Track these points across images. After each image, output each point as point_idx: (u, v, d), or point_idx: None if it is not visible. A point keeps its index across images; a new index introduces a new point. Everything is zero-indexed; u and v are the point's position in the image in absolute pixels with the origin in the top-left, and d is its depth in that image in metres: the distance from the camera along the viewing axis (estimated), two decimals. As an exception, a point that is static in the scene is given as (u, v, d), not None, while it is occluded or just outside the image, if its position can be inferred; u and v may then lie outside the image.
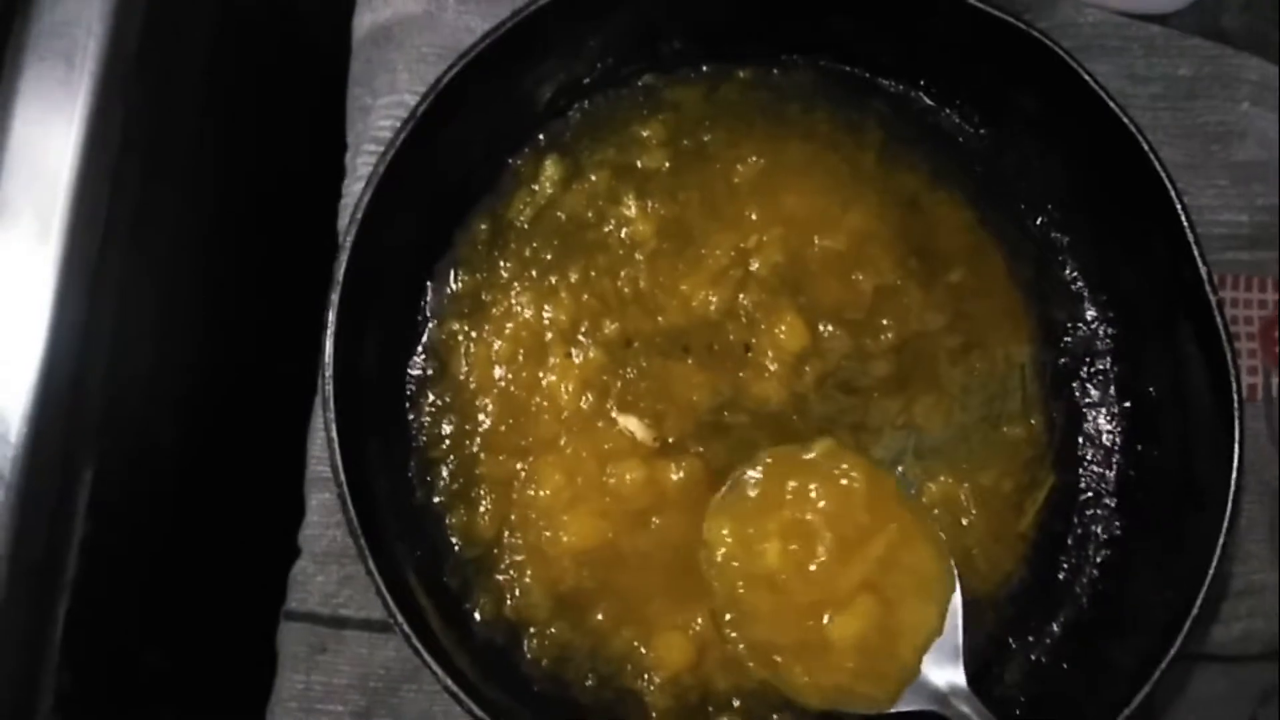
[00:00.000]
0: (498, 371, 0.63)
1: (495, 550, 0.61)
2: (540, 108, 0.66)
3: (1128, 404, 0.66)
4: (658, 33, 0.67)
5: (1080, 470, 0.66)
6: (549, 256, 0.64)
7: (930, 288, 0.66)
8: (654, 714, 0.60)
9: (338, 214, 0.68)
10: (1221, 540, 0.58)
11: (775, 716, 0.61)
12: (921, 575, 0.59)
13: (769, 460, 0.60)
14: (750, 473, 0.60)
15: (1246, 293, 0.71)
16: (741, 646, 0.59)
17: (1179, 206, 0.60)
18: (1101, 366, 0.67)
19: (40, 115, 0.61)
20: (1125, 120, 0.61)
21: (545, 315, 0.63)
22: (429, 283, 0.64)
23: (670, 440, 0.62)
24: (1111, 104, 0.62)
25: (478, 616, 0.60)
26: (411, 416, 0.63)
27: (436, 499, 0.62)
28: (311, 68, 0.74)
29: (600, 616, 0.60)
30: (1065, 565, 0.65)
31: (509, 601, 0.60)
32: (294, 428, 0.66)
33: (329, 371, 0.56)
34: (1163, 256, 0.62)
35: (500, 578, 0.61)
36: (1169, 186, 0.61)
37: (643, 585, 0.61)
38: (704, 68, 0.68)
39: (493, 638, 0.60)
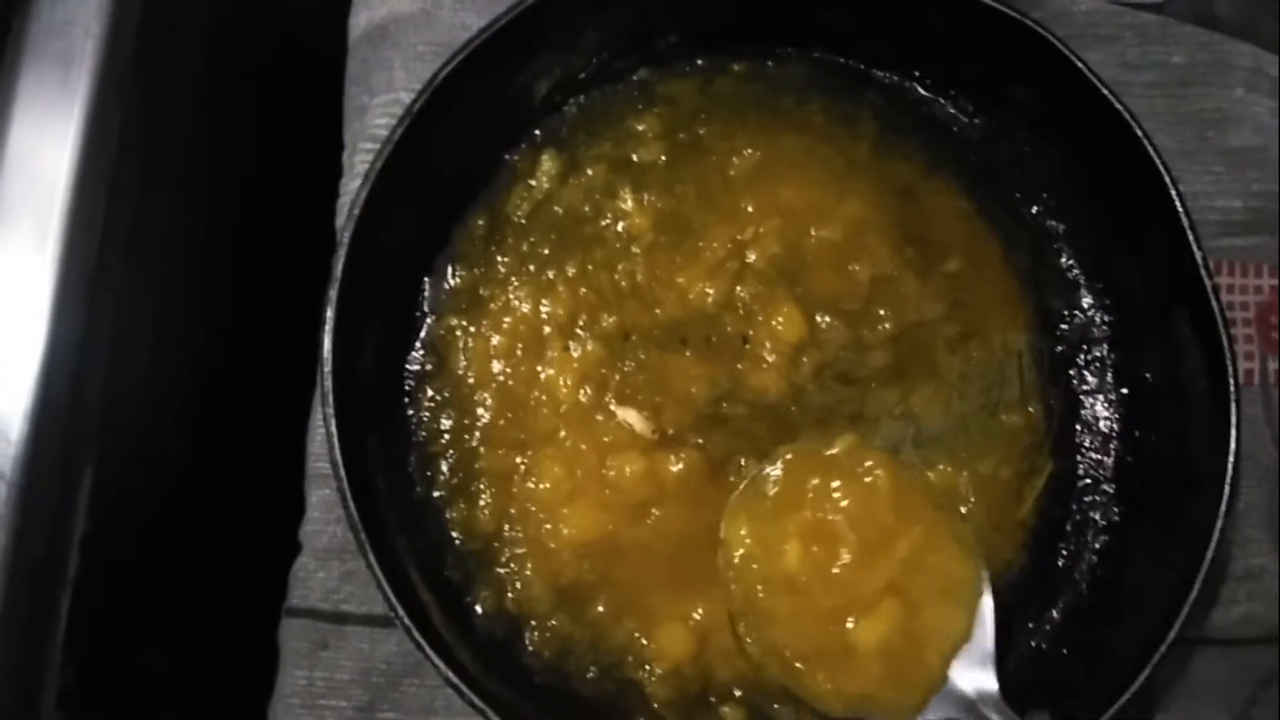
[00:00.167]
0: (496, 366, 0.63)
1: (496, 544, 0.61)
2: (536, 103, 0.66)
3: (1125, 390, 0.66)
4: (652, 27, 0.67)
5: (1078, 457, 0.66)
6: (546, 251, 0.64)
7: (927, 277, 0.66)
8: (655, 705, 0.60)
9: (335, 213, 0.69)
10: (1219, 525, 0.58)
11: (776, 706, 0.61)
12: (949, 578, 0.57)
13: (789, 457, 0.59)
14: (770, 470, 0.59)
15: (1243, 278, 0.71)
16: (759, 650, 0.57)
17: (1174, 193, 0.61)
18: (1098, 353, 0.67)
19: (38, 116, 0.61)
20: (1120, 108, 0.62)
21: (543, 309, 0.63)
22: (427, 278, 0.64)
23: (669, 432, 0.62)
24: (1106, 92, 0.62)
25: (479, 610, 0.60)
26: (411, 412, 0.63)
27: (436, 493, 0.62)
28: (308, 67, 0.74)
29: (601, 608, 0.61)
30: (1064, 552, 0.65)
31: (510, 595, 0.61)
32: (294, 425, 0.67)
33: (328, 367, 0.56)
34: (1158, 243, 0.62)
35: (501, 571, 0.61)
36: (1164, 173, 0.61)
37: (643, 577, 0.61)
38: (698, 61, 0.68)
39: (494, 631, 0.60)
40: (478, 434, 0.62)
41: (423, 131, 0.60)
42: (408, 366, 0.63)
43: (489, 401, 0.63)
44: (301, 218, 0.70)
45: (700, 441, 0.62)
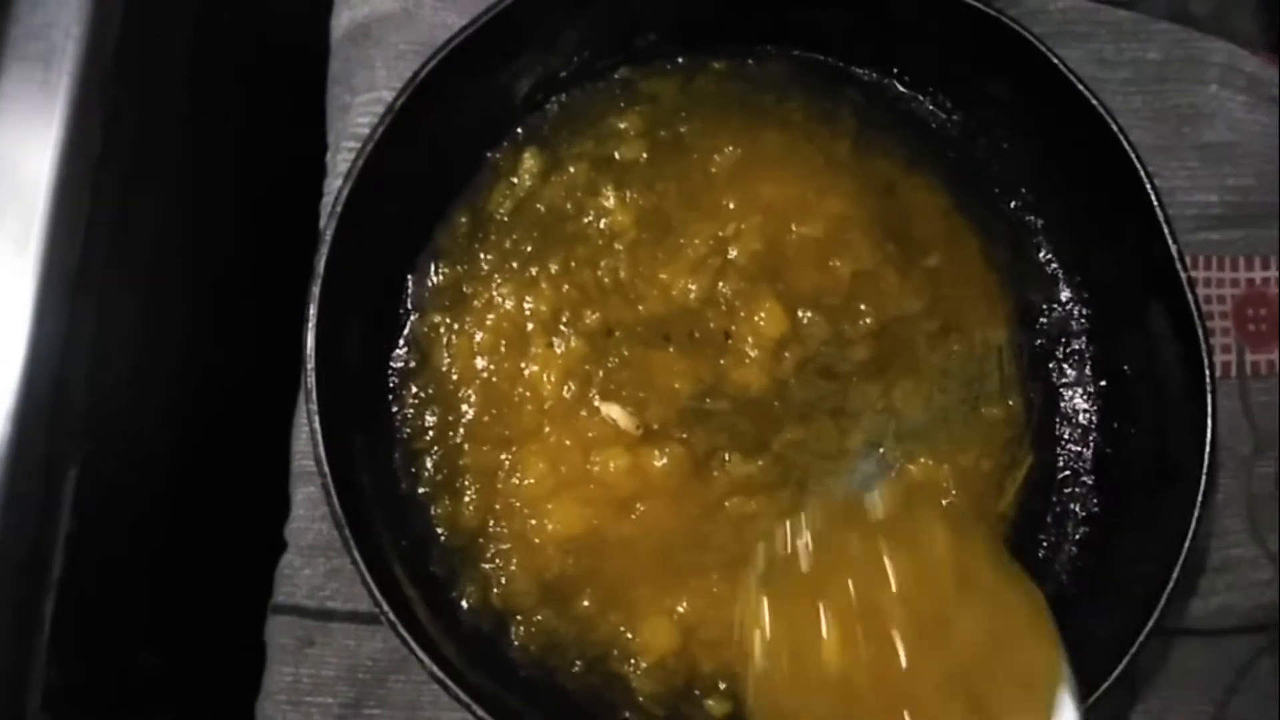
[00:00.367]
0: (480, 362, 0.63)
1: (480, 539, 0.61)
2: (518, 101, 0.67)
3: (1104, 383, 0.67)
4: (633, 26, 0.67)
5: (1058, 449, 0.67)
6: (529, 248, 0.65)
7: (907, 273, 0.66)
8: (640, 698, 0.60)
9: (319, 213, 0.69)
10: (1196, 515, 0.58)
11: (761, 699, 0.61)
12: (1025, 666, 0.47)
13: (821, 515, 0.51)
14: (797, 530, 0.51)
15: (1219, 272, 0.72)
16: None
17: (1149, 187, 0.61)
18: (1077, 347, 0.68)
19: (19, 118, 0.61)
20: (1096, 104, 0.62)
21: (526, 306, 0.64)
22: (410, 276, 0.64)
23: (653, 427, 0.62)
24: (1082, 88, 0.62)
25: (464, 605, 0.61)
26: (395, 408, 0.63)
27: (421, 490, 0.62)
28: (291, 68, 0.74)
29: (586, 603, 0.61)
30: (1045, 543, 0.65)
31: (495, 590, 0.61)
32: (279, 423, 0.67)
33: (311, 364, 0.56)
34: (1134, 237, 0.63)
35: (486, 566, 0.61)
36: (1139, 168, 0.61)
37: (628, 571, 0.61)
38: (679, 60, 0.69)
39: (479, 626, 0.60)
40: (462, 430, 0.62)
41: (405, 129, 0.60)
42: (391, 364, 0.63)
43: (473, 398, 0.63)
44: (285, 217, 0.70)
45: (684, 436, 0.63)
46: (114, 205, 0.63)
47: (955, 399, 0.66)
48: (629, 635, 0.61)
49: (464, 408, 0.63)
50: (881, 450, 0.65)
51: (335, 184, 0.67)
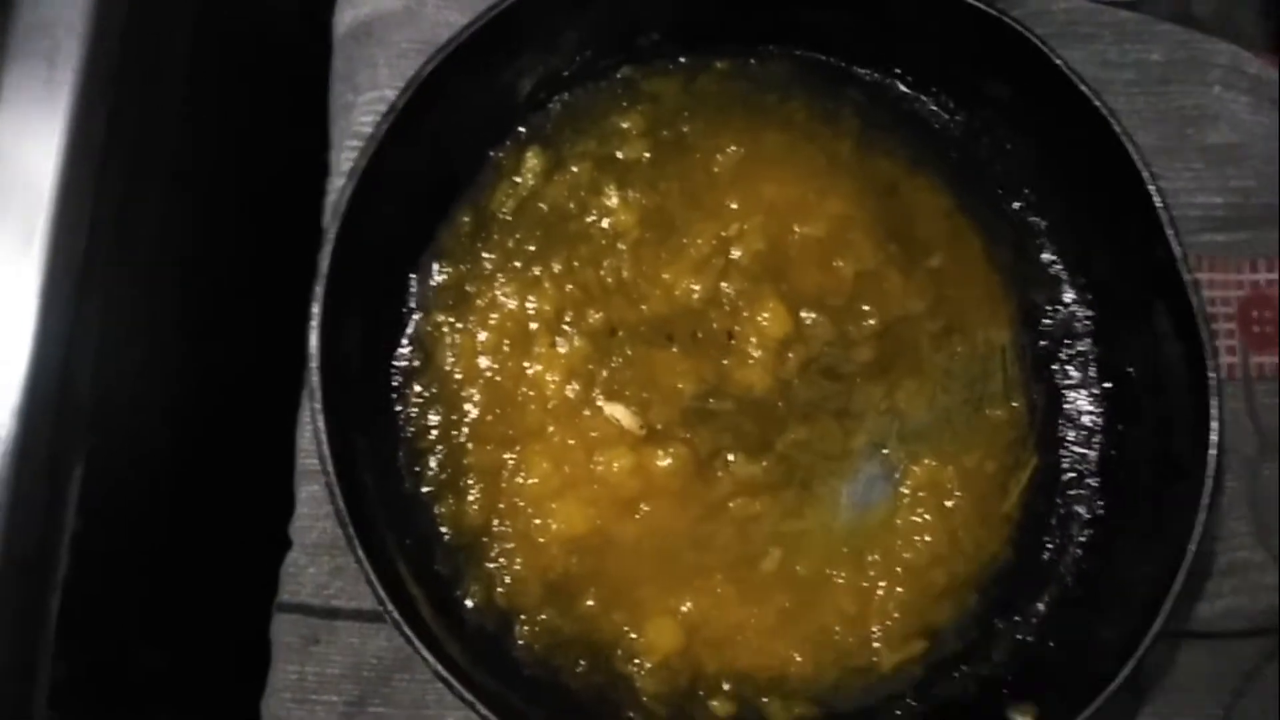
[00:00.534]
0: (483, 362, 0.63)
1: (485, 538, 0.61)
2: (520, 100, 0.67)
3: (1108, 385, 0.67)
4: (635, 25, 0.67)
5: (1062, 451, 0.66)
6: (532, 247, 0.65)
7: (910, 273, 0.67)
8: (644, 698, 0.60)
9: (322, 211, 0.69)
10: (1201, 518, 0.58)
11: (765, 700, 0.61)
12: None
13: None
14: None
15: (1224, 274, 0.71)
16: None
17: (1152, 188, 0.61)
18: (1081, 348, 0.68)
19: (22, 116, 0.61)
20: (1098, 105, 0.62)
21: (529, 306, 0.64)
22: (413, 275, 0.64)
23: (657, 427, 0.62)
24: (1085, 89, 0.62)
25: (468, 604, 0.60)
26: (399, 408, 0.63)
27: (425, 489, 0.62)
28: (293, 66, 0.75)
29: (590, 602, 0.61)
30: (1049, 545, 0.65)
31: (499, 589, 0.61)
32: (283, 422, 0.67)
33: (315, 363, 0.56)
34: (1138, 238, 0.63)
35: (490, 565, 0.61)
36: (1142, 169, 0.61)
37: (632, 571, 0.61)
38: (681, 59, 0.69)
39: (483, 625, 0.60)
40: (466, 430, 0.62)
41: (408, 128, 0.60)
42: (395, 363, 0.63)
43: (476, 397, 0.63)
44: (288, 215, 0.70)
45: (687, 437, 0.63)
46: (117, 203, 0.63)
47: (959, 400, 0.66)
48: (633, 635, 0.61)
49: (467, 407, 0.63)
50: (885, 451, 0.65)
51: (338, 183, 0.67)
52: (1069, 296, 0.68)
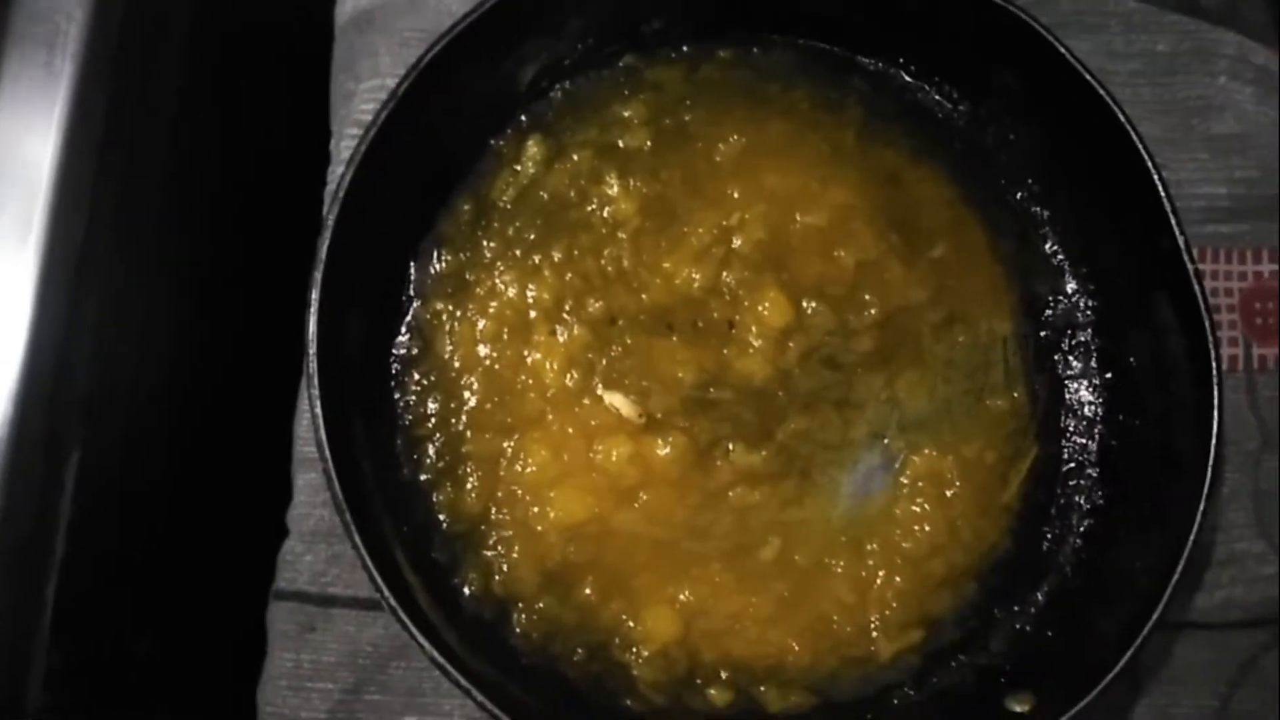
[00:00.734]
0: (483, 350, 0.63)
1: (483, 526, 0.61)
2: (522, 88, 0.66)
3: (1109, 375, 0.67)
4: (638, 13, 0.67)
5: (1063, 441, 0.66)
6: (532, 236, 0.64)
7: (912, 263, 0.66)
8: (641, 686, 0.60)
9: (323, 200, 0.68)
10: (1201, 509, 0.58)
11: (762, 689, 0.61)
12: None
13: None
14: None
15: (1227, 265, 0.71)
16: None
17: (1156, 178, 0.61)
18: (1083, 339, 0.67)
19: (21, 102, 0.61)
20: (1103, 94, 0.62)
21: (529, 294, 0.64)
22: (412, 262, 0.64)
23: (656, 416, 0.62)
24: (1090, 79, 0.62)
25: (466, 592, 0.60)
26: (397, 395, 0.63)
27: (423, 476, 0.62)
28: (295, 54, 0.74)
29: (588, 591, 0.61)
30: (1049, 535, 0.65)
31: (497, 577, 0.61)
32: (281, 410, 0.67)
33: (313, 349, 0.56)
34: (1141, 228, 0.62)
35: (488, 553, 0.61)
36: (1147, 159, 0.61)
37: (630, 560, 0.61)
38: (684, 48, 0.68)
39: (481, 613, 0.60)
40: (464, 417, 0.62)
41: (408, 116, 0.60)
42: (394, 350, 0.63)
43: (475, 385, 0.63)
44: (289, 204, 0.70)
45: (687, 426, 0.63)
46: (116, 190, 0.63)
47: (959, 390, 0.66)
48: (630, 624, 0.61)
49: (466, 395, 0.63)
50: (885, 441, 0.65)
51: (338, 171, 0.67)
52: (1072, 287, 0.68)
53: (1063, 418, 0.67)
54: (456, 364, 0.63)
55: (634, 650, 0.61)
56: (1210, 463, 0.58)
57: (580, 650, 0.60)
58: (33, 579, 0.58)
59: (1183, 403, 0.61)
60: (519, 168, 0.66)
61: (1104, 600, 0.62)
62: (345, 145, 0.69)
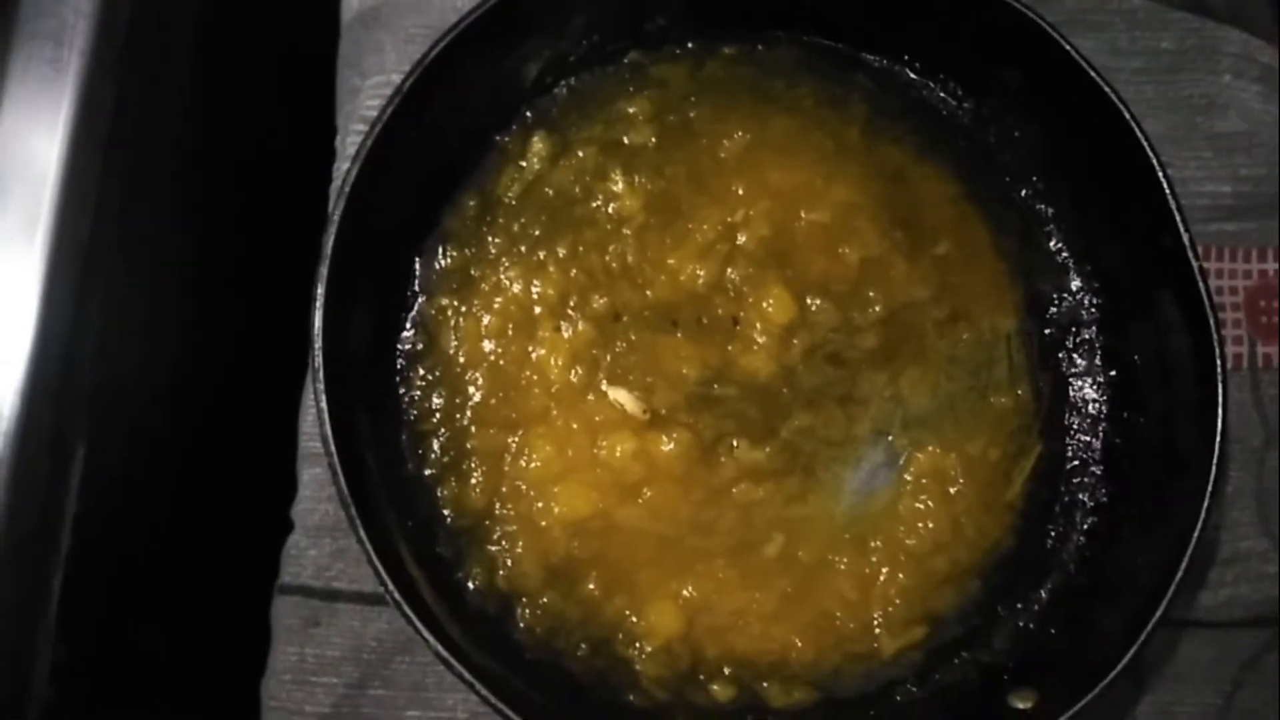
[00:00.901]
0: (487, 346, 0.63)
1: (487, 521, 0.61)
2: (527, 85, 0.67)
3: (1113, 373, 0.67)
4: (642, 10, 0.67)
5: (1067, 439, 0.66)
6: (537, 232, 0.65)
7: (916, 260, 0.66)
8: (645, 682, 0.60)
9: (328, 197, 0.69)
10: (1205, 507, 0.58)
11: (765, 684, 0.61)
12: None
13: None
14: None
15: (1231, 263, 0.71)
16: None
17: (1161, 175, 0.61)
18: (1087, 336, 0.67)
19: (29, 96, 0.61)
20: (1108, 91, 0.62)
21: (534, 290, 0.64)
22: (418, 258, 0.64)
23: (660, 412, 0.62)
24: (1095, 76, 0.62)
25: (470, 586, 0.61)
26: (402, 390, 0.63)
27: (428, 471, 0.62)
28: (301, 50, 0.75)
29: (592, 586, 0.61)
30: (1052, 533, 0.65)
31: (501, 572, 0.61)
32: (286, 405, 0.67)
33: (318, 344, 0.56)
34: (1146, 226, 0.63)
35: (492, 548, 0.61)
36: (1152, 157, 0.61)
37: (634, 555, 0.61)
38: (689, 44, 0.69)
39: (485, 607, 0.60)
40: (469, 413, 0.62)
41: (413, 111, 0.60)
42: (399, 346, 0.64)
43: (480, 381, 0.63)
44: (294, 200, 0.70)
45: (691, 422, 0.63)
46: (122, 187, 0.63)
47: (963, 387, 0.66)
48: (634, 619, 0.61)
49: (471, 390, 0.63)
50: (889, 438, 0.65)
51: (344, 167, 0.67)
52: (1076, 285, 0.68)
53: (1067, 415, 0.67)
54: (461, 359, 0.63)
55: (637, 645, 0.61)
56: (1214, 461, 0.58)
57: (584, 645, 0.61)
58: (38, 573, 0.58)
59: (1187, 400, 0.62)
60: (524, 164, 0.66)
61: (1107, 598, 0.62)
62: (351, 141, 0.69)
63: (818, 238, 0.66)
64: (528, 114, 0.67)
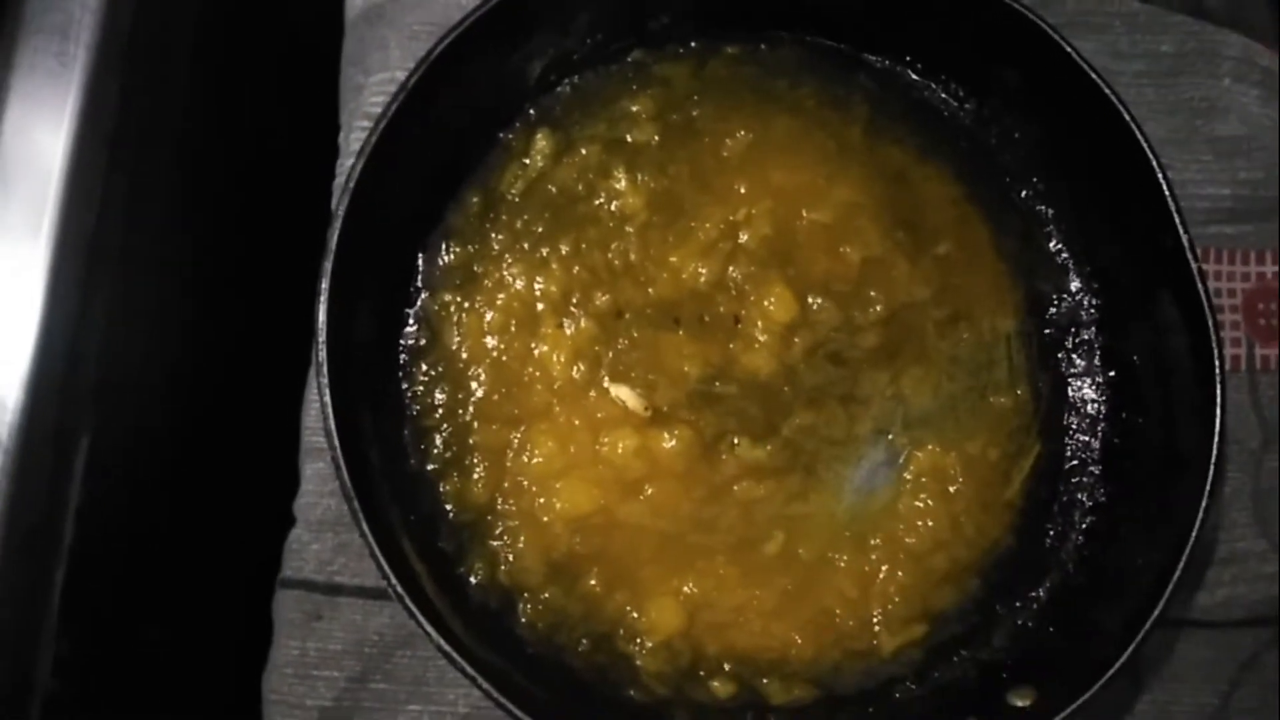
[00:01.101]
0: (490, 342, 0.63)
1: (489, 517, 0.62)
2: (531, 82, 0.67)
3: (1112, 373, 0.67)
4: (646, 9, 0.67)
5: (1066, 439, 0.67)
6: (540, 229, 0.65)
7: (917, 260, 0.67)
8: (645, 677, 0.60)
9: (332, 193, 0.69)
10: (1203, 506, 0.58)
11: (765, 681, 0.61)
12: None
13: None
14: None
15: (1230, 265, 0.72)
16: None
17: (1160, 176, 0.61)
18: (1086, 336, 0.68)
19: (35, 90, 0.61)
20: (1109, 93, 0.62)
21: (537, 287, 0.64)
22: (421, 254, 0.65)
23: (662, 410, 0.63)
24: (1095, 77, 0.62)
25: (472, 581, 0.61)
26: (405, 385, 0.63)
27: (430, 466, 0.62)
28: (305, 47, 0.75)
29: (593, 582, 0.61)
30: (1051, 532, 0.65)
31: (503, 567, 0.61)
32: (289, 400, 0.67)
33: (322, 338, 0.56)
34: (1145, 227, 0.63)
35: (494, 544, 0.61)
36: (1152, 158, 0.61)
37: (635, 552, 0.61)
38: (692, 44, 0.69)
39: (487, 602, 0.61)
40: (471, 408, 0.63)
41: (417, 108, 0.60)
42: (402, 341, 0.64)
43: (483, 376, 0.63)
44: (297, 198, 0.70)
45: (693, 419, 0.63)
46: (127, 181, 0.63)
47: (963, 387, 0.66)
48: (635, 615, 0.61)
49: (474, 386, 0.63)
50: (890, 437, 0.65)
51: (348, 163, 0.68)
52: (1076, 285, 0.68)
53: (1066, 415, 0.67)
54: (464, 355, 0.63)
55: (638, 641, 0.61)
56: (1213, 461, 0.59)
57: (585, 641, 0.61)
58: (42, 565, 0.58)
59: (1185, 401, 0.62)
60: (527, 161, 0.66)
61: (1106, 597, 0.62)
62: (355, 138, 0.69)
63: (819, 237, 0.66)
64: (531, 111, 0.67)
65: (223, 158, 0.74)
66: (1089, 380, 0.67)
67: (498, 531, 0.61)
